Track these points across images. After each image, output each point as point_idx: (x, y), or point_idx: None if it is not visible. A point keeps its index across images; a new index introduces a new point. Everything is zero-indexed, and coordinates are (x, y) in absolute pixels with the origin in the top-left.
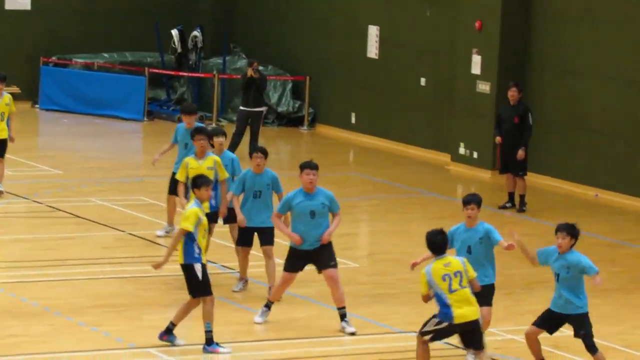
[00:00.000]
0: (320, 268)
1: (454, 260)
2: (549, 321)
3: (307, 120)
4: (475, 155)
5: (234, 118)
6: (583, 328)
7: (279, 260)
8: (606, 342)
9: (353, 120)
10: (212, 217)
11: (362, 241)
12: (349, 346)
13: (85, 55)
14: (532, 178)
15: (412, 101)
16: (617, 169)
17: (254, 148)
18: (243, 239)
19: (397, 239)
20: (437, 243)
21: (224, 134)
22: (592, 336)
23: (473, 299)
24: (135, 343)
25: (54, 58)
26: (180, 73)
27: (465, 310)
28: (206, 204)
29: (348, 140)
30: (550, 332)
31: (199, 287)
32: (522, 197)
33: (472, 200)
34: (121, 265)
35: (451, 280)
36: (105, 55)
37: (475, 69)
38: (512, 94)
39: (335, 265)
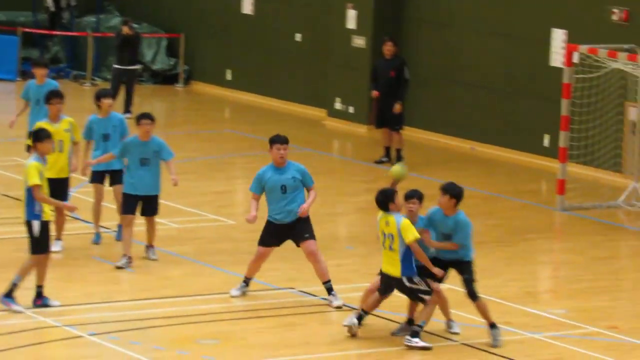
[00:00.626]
0: (297, 242)
1: (392, 221)
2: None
3: (182, 78)
4: (351, 110)
5: (109, 77)
6: (466, 273)
7: (164, 221)
8: (482, 295)
9: (229, 77)
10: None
11: (238, 198)
12: (226, 304)
13: None
14: (408, 132)
15: (288, 57)
16: (493, 121)
17: (142, 115)
18: (128, 207)
19: None
20: (377, 201)
21: (112, 95)
22: (474, 281)
23: (398, 263)
24: None
25: None
26: (54, 32)
27: (389, 267)
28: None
29: (224, 97)
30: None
31: (35, 244)
32: (398, 151)
33: (413, 195)
34: None
35: (385, 239)
36: None
37: (351, 23)
38: (388, 48)
39: (311, 237)
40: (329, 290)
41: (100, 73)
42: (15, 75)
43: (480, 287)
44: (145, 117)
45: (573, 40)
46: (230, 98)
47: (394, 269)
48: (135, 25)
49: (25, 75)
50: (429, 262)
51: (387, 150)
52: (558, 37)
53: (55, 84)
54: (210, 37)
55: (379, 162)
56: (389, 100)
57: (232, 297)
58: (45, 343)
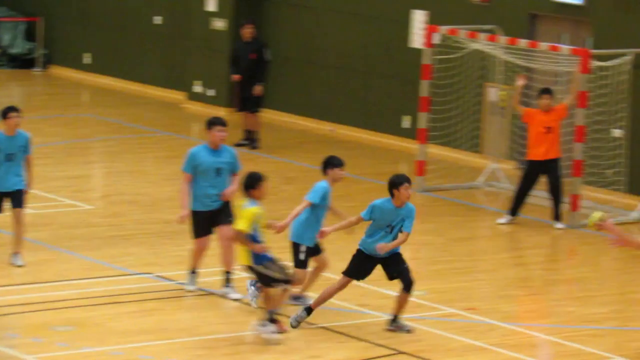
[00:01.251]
0: (217, 224)
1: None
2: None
3: (40, 62)
4: (211, 93)
5: None
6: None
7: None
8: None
9: (88, 60)
10: None
11: (96, 183)
12: (83, 290)
13: None
14: (269, 114)
15: (147, 40)
16: (353, 103)
17: (9, 108)
18: None
19: (132, 180)
20: (242, 184)
21: None
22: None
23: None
24: None
25: None
26: None
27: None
28: None
29: (83, 81)
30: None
31: None
32: (253, 133)
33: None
34: None
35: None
36: None
37: (210, 5)
38: (247, 30)
39: (232, 222)
40: (229, 280)
41: None
42: None
43: (338, 270)
44: (13, 110)
45: (433, 21)
46: (89, 82)
47: (244, 258)
48: None
49: None
50: (250, 244)
51: (249, 133)
52: (418, 18)
53: None
54: (69, 21)
55: (239, 145)
56: (250, 82)
57: (188, 291)
58: None
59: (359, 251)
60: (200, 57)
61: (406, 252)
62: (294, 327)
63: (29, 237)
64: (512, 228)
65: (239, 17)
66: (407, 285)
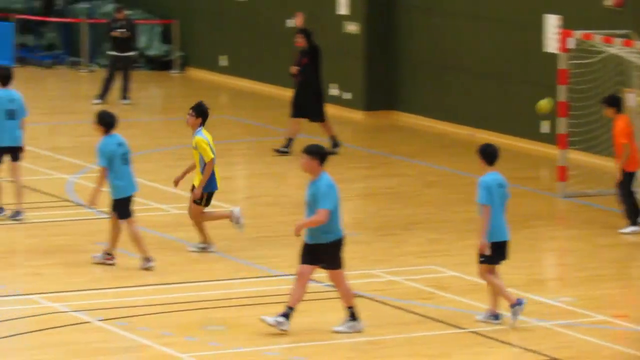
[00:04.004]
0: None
1: None
2: None
3: (177, 64)
4: (347, 96)
5: (106, 63)
6: None
7: (165, 207)
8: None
9: (224, 62)
10: None
11: (239, 184)
12: (231, 290)
13: None
14: (407, 118)
15: (281, 42)
16: (489, 107)
17: None
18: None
19: (272, 181)
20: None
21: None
22: None
23: None
24: None
25: None
26: (48, 19)
27: None
28: None
29: (219, 83)
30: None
31: None
32: (290, 140)
33: None
34: None
35: None
36: None
37: (342, 9)
38: (299, 40)
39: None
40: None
41: (98, 59)
42: (12, 62)
43: None
44: None
45: (567, 25)
46: (225, 84)
47: None
48: (129, 12)
49: (23, 61)
50: None
51: (333, 138)
52: (551, 22)
53: None
54: (205, 23)
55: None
56: (306, 90)
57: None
58: (52, 329)
59: None
60: (335, 60)
61: (552, 258)
62: None
63: (176, 237)
64: None
65: (371, 21)
66: None
